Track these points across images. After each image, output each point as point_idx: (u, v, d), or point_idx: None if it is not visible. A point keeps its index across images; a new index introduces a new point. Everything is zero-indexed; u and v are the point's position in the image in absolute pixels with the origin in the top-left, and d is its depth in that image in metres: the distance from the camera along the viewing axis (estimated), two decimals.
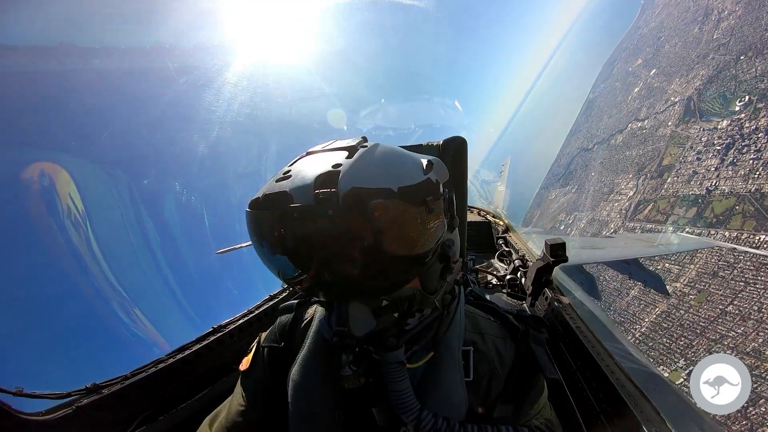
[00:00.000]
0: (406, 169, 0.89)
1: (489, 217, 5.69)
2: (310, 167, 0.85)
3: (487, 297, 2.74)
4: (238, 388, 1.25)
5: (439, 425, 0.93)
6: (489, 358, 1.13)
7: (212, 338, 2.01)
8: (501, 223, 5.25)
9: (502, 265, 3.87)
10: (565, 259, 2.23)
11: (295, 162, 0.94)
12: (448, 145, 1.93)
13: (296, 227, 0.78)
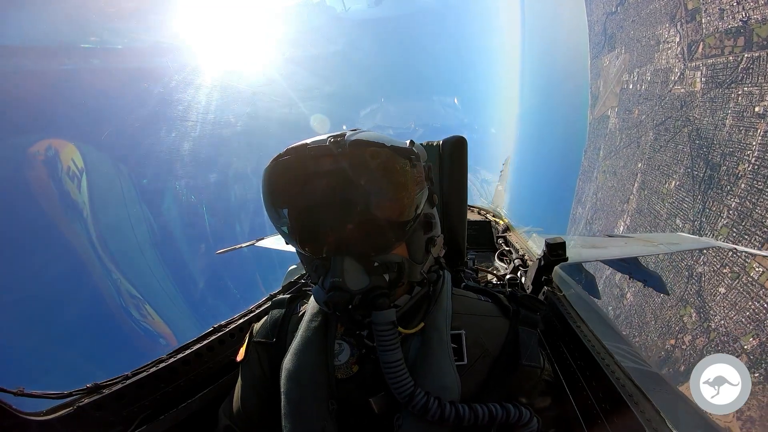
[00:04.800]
0: (394, 140, 1.11)
1: (489, 216, 5.71)
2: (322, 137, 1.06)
3: None
4: (239, 379, 1.29)
5: (430, 405, 0.94)
6: (481, 340, 1.14)
7: (212, 338, 2.02)
8: (501, 222, 5.25)
9: (502, 264, 3.87)
10: (565, 259, 2.24)
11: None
12: (448, 144, 1.94)
13: (312, 163, 0.99)
